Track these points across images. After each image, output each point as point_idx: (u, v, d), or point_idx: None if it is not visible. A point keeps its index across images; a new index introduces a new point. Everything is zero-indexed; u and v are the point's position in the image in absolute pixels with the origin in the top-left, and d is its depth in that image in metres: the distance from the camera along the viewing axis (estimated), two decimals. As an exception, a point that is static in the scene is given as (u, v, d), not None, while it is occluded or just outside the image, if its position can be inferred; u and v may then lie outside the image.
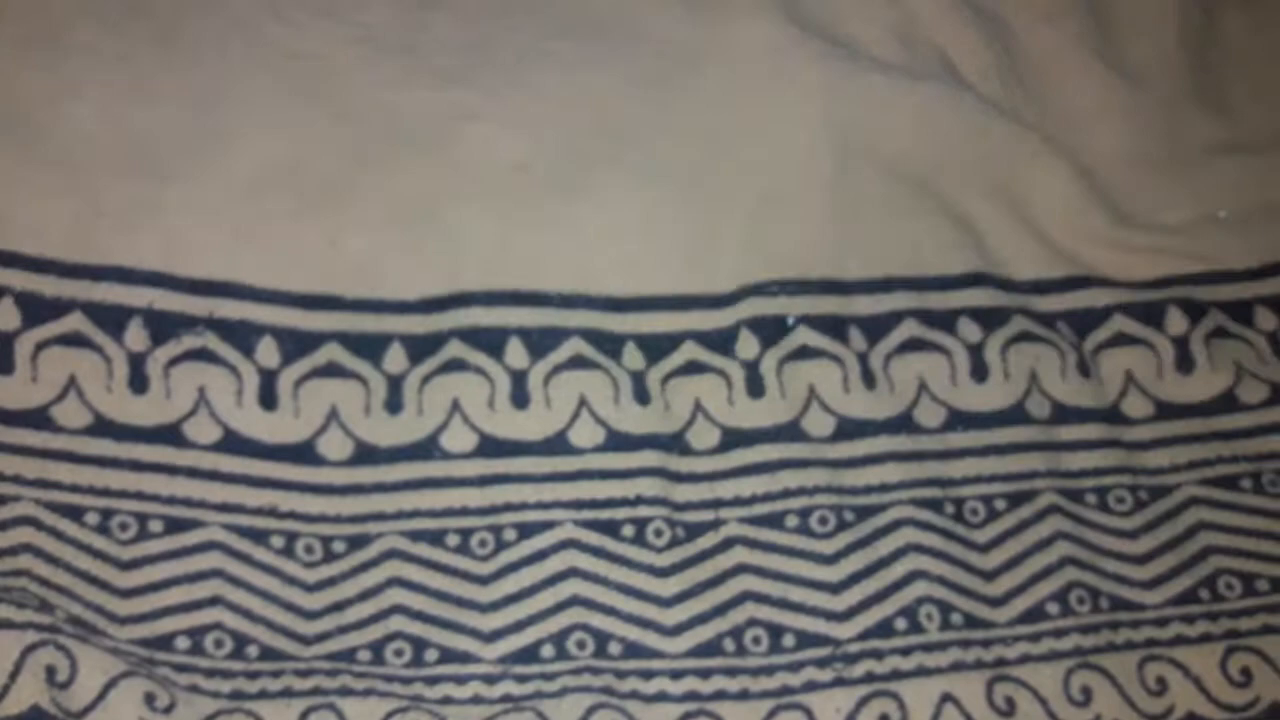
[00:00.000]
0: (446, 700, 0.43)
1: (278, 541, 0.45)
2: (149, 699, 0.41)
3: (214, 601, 0.44)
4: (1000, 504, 0.49)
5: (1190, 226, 0.56)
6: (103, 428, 0.46)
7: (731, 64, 0.55)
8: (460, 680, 0.44)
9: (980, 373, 0.51)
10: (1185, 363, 0.53)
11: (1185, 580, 0.48)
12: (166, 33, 0.52)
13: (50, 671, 0.40)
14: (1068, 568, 0.48)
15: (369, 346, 0.48)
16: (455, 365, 0.48)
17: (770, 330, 0.50)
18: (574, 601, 0.45)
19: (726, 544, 0.47)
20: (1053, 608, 0.47)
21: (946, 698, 0.45)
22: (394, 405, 0.48)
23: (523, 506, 0.47)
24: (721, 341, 0.50)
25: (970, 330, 0.52)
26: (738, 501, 0.48)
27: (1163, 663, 0.46)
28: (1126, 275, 0.54)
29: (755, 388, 0.50)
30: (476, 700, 0.44)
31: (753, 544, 0.47)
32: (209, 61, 0.52)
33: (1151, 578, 0.48)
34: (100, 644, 0.42)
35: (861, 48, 0.57)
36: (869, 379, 0.50)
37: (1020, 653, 0.46)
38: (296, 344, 0.48)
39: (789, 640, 0.46)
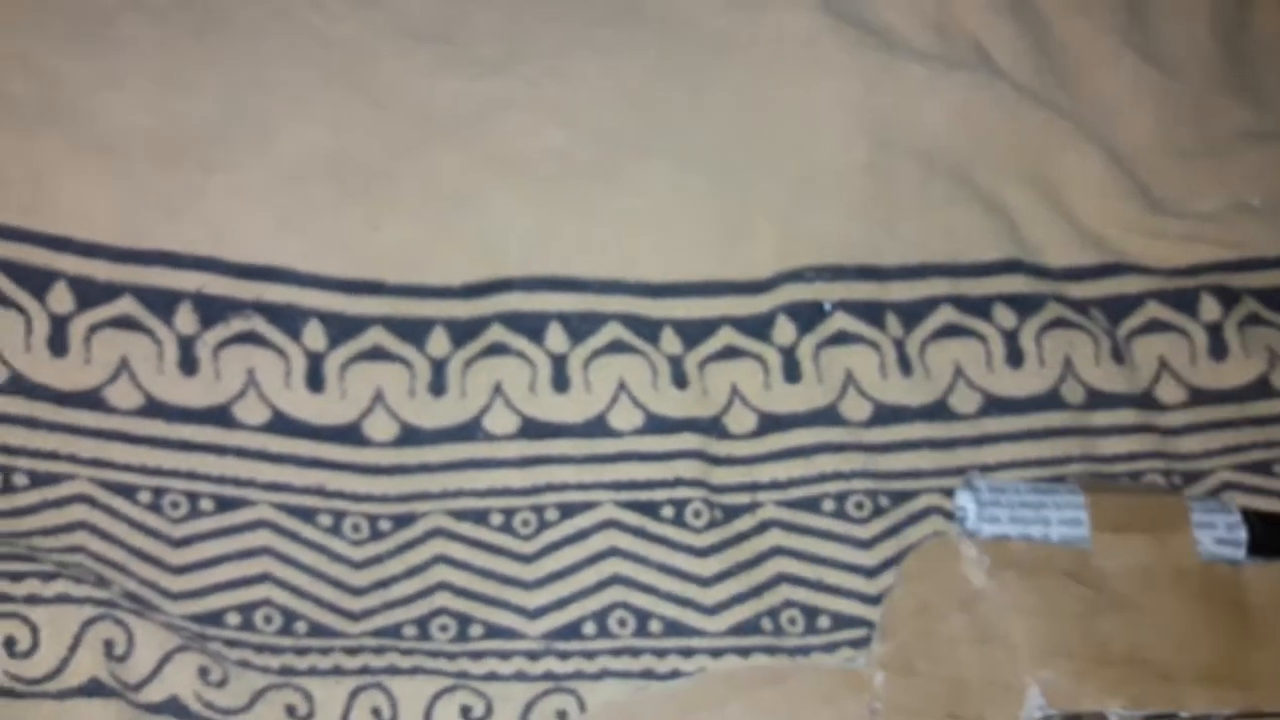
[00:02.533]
0: (491, 676, 0.44)
1: (325, 520, 0.46)
2: (203, 672, 0.42)
3: (263, 578, 0.45)
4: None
5: (1223, 214, 0.56)
6: (154, 409, 0.47)
7: (768, 52, 0.56)
8: (505, 656, 0.45)
9: (1015, 358, 0.52)
10: (1218, 349, 0.53)
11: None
12: (207, 23, 0.53)
13: (108, 645, 0.41)
14: None
15: (413, 330, 0.49)
16: (497, 349, 0.49)
17: (807, 316, 0.51)
18: (615, 580, 0.46)
19: (763, 526, 0.48)
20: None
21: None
22: (438, 388, 0.48)
23: (564, 487, 0.47)
24: (758, 327, 0.51)
25: (1005, 316, 0.52)
26: (774, 485, 0.49)
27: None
28: (1160, 262, 0.54)
29: (792, 373, 0.50)
30: (520, 676, 0.45)
31: (789, 527, 0.48)
32: (249, 51, 0.53)
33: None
34: (155, 619, 0.43)
35: (897, 36, 0.57)
36: (905, 364, 0.51)
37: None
38: (342, 328, 0.48)
39: (824, 622, 0.47)
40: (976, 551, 0.46)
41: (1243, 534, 0.47)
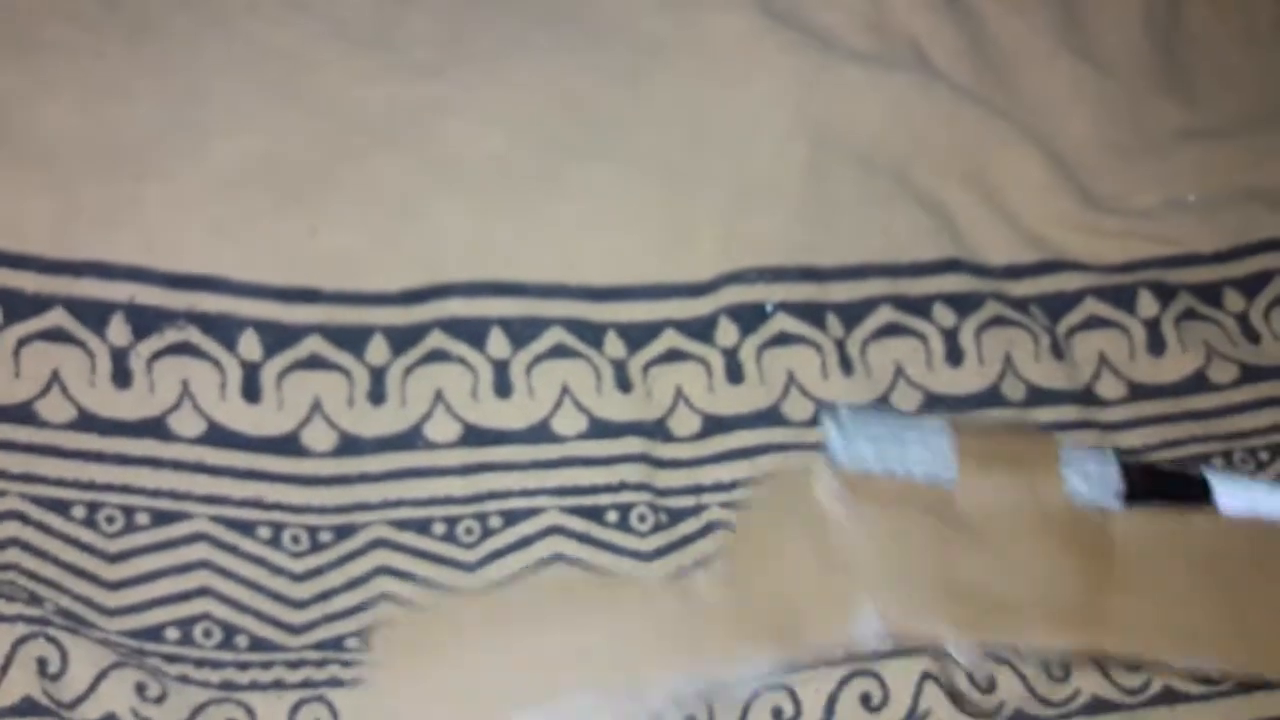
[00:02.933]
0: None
1: (264, 532, 0.45)
2: (140, 689, 0.41)
3: (202, 592, 0.44)
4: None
5: (1159, 211, 0.57)
6: (87, 422, 0.46)
7: (706, 55, 0.56)
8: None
9: (955, 357, 0.52)
10: (1156, 344, 0.53)
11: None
12: (140, 29, 0.52)
13: (41, 663, 0.41)
14: None
15: (351, 338, 0.48)
16: (438, 356, 0.49)
17: (749, 317, 0.51)
18: (559, 586, 0.46)
19: (708, 528, 0.48)
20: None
21: (926, 676, 0.46)
22: (377, 396, 0.48)
23: (507, 494, 0.47)
24: (701, 329, 0.51)
25: (945, 315, 0.52)
26: (719, 487, 0.49)
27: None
28: (1097, 259, 0.55)
29: (735, 374, 0.50)
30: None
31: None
32: (184, 57, 0.52)
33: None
34: (90, 635, 0.42)
35: (834, 38, 0.58)
36: (846, 364, 0.51)
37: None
38: (278, 337, 0.48)
39: (772, 622, 0.47)
40: (835, 481, 0.45)
41: (1115, 479, 0.46)
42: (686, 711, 0.44)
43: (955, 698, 0.45)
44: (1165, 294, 0.54)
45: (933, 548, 0.45)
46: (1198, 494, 0.47)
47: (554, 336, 0.50)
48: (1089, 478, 0.46)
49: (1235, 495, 0.47)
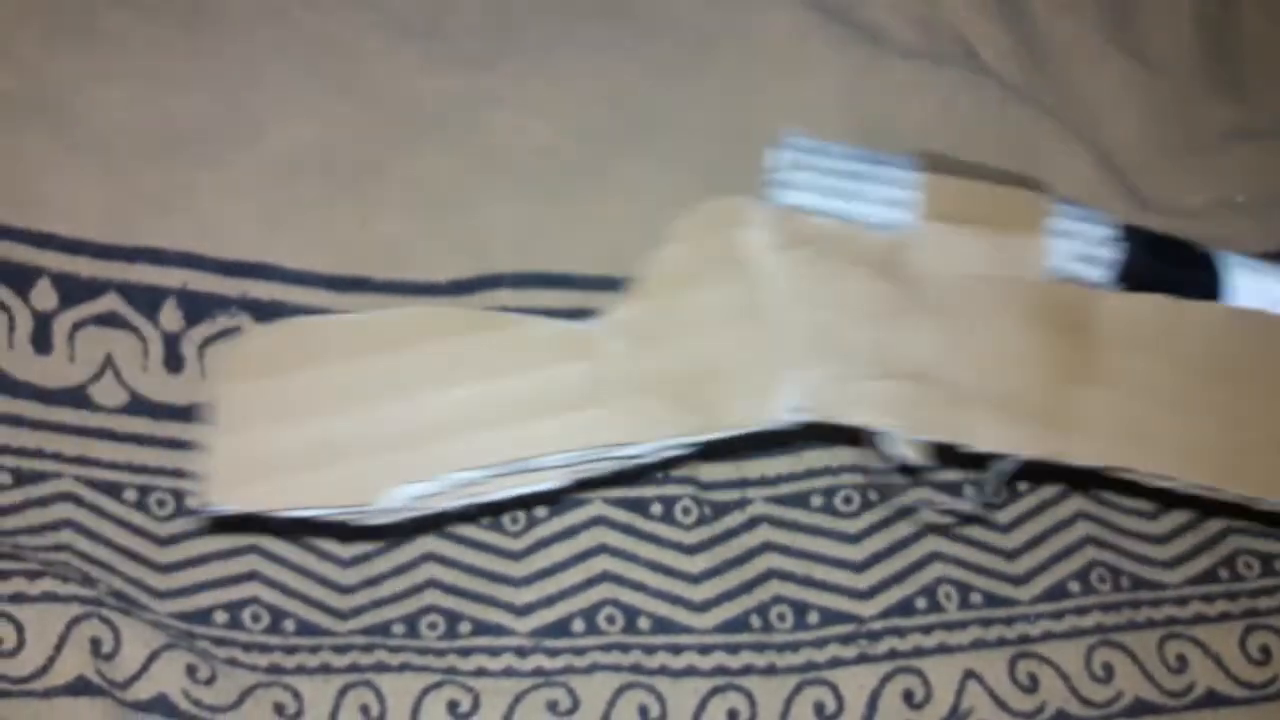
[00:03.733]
0: (480, 672, 0.44)
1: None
2: (190, 671, 0.42)
3: (251, 576, 0.45)
4: (1022, 485, 0.49)
5: (1208, 210, 0.56)
6: (139, 406, 0.47)
7: (754, 49, 0.56)
8: (493, 652, 0.45)
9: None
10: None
11: (1204, 560, 0.49)
12: (195, 19, 0.53)
13: (95, 643, 0.41)
14: (1088, 547, 0.49)
15: (400, 327, 0.49)
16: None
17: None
18: (604, 577, 0.46)
19: (752, 522, 0.48)
20: (1074, 586, 0.48)
21: (969, 674, 0.46)
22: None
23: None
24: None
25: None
26: (763, 481, 0.49)
27: (1183, 640, 0.47)
28: (1147, 259, 0.55)
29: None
30: (509, 673, 0.45)
31: (778, 522, 0.48)
32: (237, 47, 0.52)
33: (1172, 557, 0.49)
34: (142, 617, 0.43)
35: (883, 33, 0.57)
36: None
37: (1043, 630, 0.47)
38: (329, 325, 0.48)
39: (814, 617, 0.47)
40: (769, 221, 0.38)
41: (1110, 253, 0.38)
42: (580, 479, 0.38)
43: (882, 491, 0.40)
44: (1215, 295, 0.54)
45: (876, 313, 0.37)
46: (1209, 281, 0.40)
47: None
48: (1079, 246, 0.38)
49: (1252, 285, 0.40)
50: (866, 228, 0.38)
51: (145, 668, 0.42)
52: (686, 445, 0.39)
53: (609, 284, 0.50)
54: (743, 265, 0.38)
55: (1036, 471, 0.39)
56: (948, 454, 0.39)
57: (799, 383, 0.37)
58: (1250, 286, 0.39)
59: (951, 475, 0.46)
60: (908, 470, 0.39)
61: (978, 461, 0.39)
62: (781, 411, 0.37)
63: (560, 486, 0.38)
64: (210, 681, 0.42)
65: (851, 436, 0.39)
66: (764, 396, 0.37)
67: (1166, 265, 0.39)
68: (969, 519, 0.40)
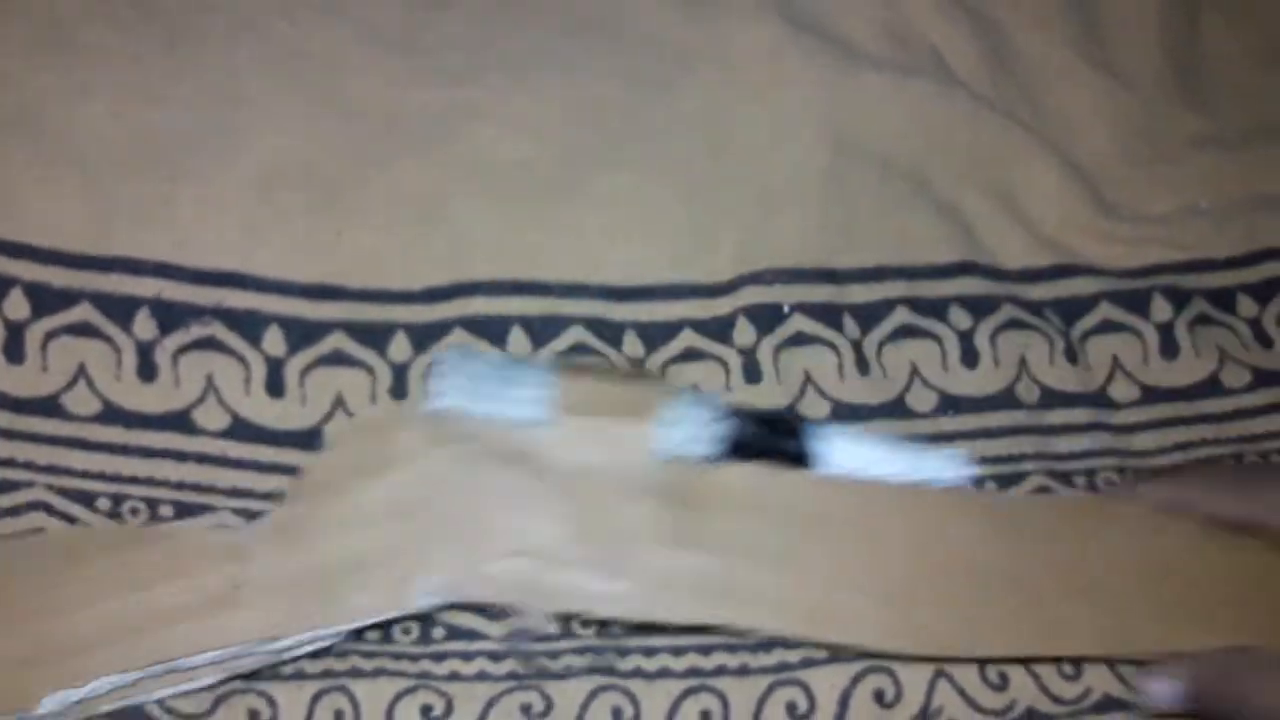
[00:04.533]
0: (453, 676, 0.44)
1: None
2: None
3: (224, 583, 0.45)
4: (990, 486, 0.50)
5: (1174, 217, 0.57)
6: (112, 415, 0.47)
7: (728, 63, 0.56)
8: (467, 657, 0.45)
9: (971, 359, 0.52)
10: (1170, 348, 0.54)
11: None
12: (176, 33, 0.53)
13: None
14: None
15: (374, 335, 0.49)
16: (459, 354, 0.49)
17: (766, 318, 0.51)
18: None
19: (725, 526, 0.48)
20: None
21: (940, 674, 0.46)
22: (399, 392, 0.48)
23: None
24: (719, 329, 0.51)
25: (961, 318, 0.53)
26: (735, 485, 0.49)
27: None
28: (1113, 264, 0.55)
29: (752, 374, 0.51)
30: (482, 677, 0.45)
31: (750, 527, 0.48)
32: (218, 61, 0.53)
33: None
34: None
35: (856, 46, 0.58)
36: (863, 365, 0.51)
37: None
38: (302, 333, 0.49)
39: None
40: (423, 423, 0.42)
41: (712, 430, 0.43)
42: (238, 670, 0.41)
43: (529, 662, 0.44)
44: (1179, 299, 0.55)
45: (508, 501, 0.42)
46: (806, 449, 0.44)
47: (573, 335, 0.50)
48: (689, 428, 0.43)
49: (845, 450, 0.45)
50: (508, 425, 0.42)
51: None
52: (332, 636, 0.42)
53: (583, 291, 0.51)
54: (394, 465, 0.42)
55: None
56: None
57: (437, 569, 0.41)
58: (843, 451, 0.45)
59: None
60: (545, 638, 0.44)
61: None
62: (415, 599, 0.41)
63: (216, 680, 0.42)
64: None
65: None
66: (401, 586, 0.41)
67: (771, 437, 0.45)
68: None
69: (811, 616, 0.43)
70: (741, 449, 0.44)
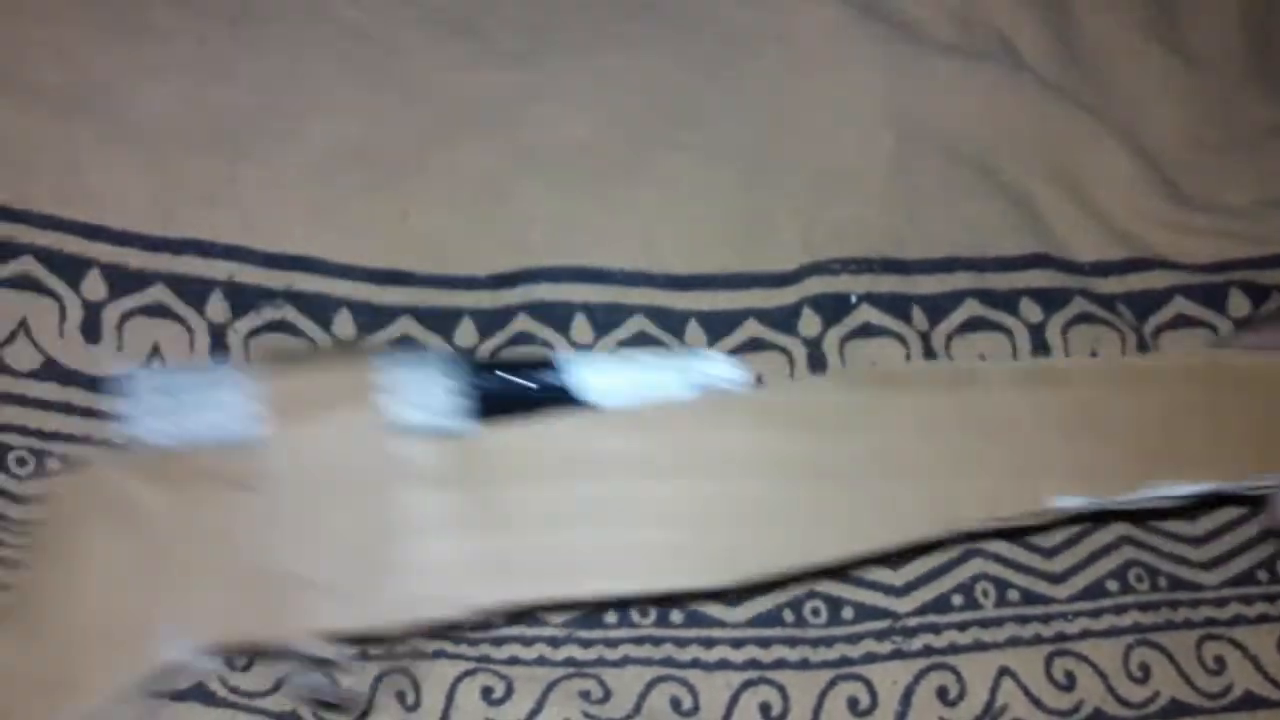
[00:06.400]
0: (513, 661, 0.45)
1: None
2: (227, 658, 0.43)
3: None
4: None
5: (1252, 209, 0.56)
6: (183, 395, 0.47)
7: (792, 46, 0.56)
8: (526, 642, 0.45)
9: (1041, 352, 0.51)
10: (1247, 345, 0.53)
11: (1243, 562, 0.49)
12: (239, 15, 0.53)
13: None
14: (1125, 546, 0.48)
15: (441, 321, 0.49)
16: (523, 339, 0.49)
17: (833, 308, 0.51)
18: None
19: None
20: (1112, 584, 0.48)
21: (1004, 671, 0.46)
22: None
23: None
24: (783, 319, 0.51)
25: (1032, 310, 0.52)
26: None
27: (1221, 642, 0.47)
28: (1187, 258, 0.54)
29: (818, 364, 0.50)
30: (541, 662, 0.45)
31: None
32: (281, 43, 0.53)
33: (1210, 558, 0.49)
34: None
35: (922, 30, 0.57)
36: (931, 357, 0.51)
37: (1080, 628, 0.47)
38: (372, 318, 0.49)
39: (848, 613, 0.47)
40: (132, 472, 0.37)
41: (448, 393, 0.37)
42: None
43: (329, 704, 0.40)
44: (1257, 295, 0.53)
45: (239, 528, 0.36)
46: (560, 382, 0.39)
47: (636, 324, 0.50)
48: (416, 395, 0.37)
49: (610, 378, 0.39)
50: (222, 445, 0.37)
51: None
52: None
53: (644, 279, 0.51)
54: (122, 516, 0.37)
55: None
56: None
57: (180, 620, 0.36)
58: (605, 377, 0.39)
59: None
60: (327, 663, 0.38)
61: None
62: (162, 655, 0.36)
63: None
64: (247, 668, 0.43)
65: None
66: (148, 646, 0.36)
67: (522, 382, 0.39)
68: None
69: (623, 570, 0.38)
70: (494, 403, 0.38)
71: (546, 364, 0.39)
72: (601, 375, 0.39)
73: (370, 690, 0.44)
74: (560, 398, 0.39)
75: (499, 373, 0.39)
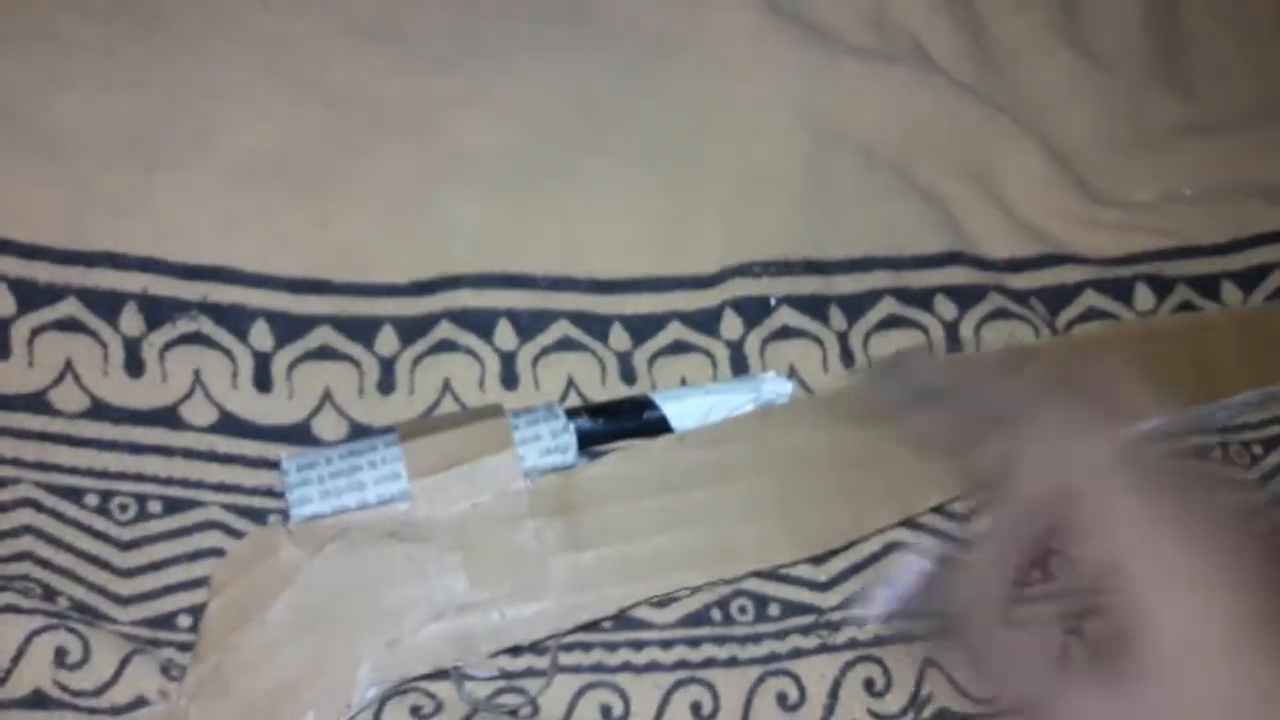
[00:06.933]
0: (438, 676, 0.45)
1: (276, 520, 0.46)
2: (165, 670, 0.42)
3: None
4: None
5: (1157, 204, 0.57)
6: (100, 411, 0.46)
7: (711, 50, 0.56)
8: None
9: (956, 348, 0.52)
10: (1154, 337, 0.54)
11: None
12: (151, 23, 0.52)
13: (60, 653, 0.41)
14: None
15: (361, 329, 0.49)
16: (446, 346, 0.49)
17: (754, 310, 0.51)
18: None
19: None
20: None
21: (929, 662, 0.47)
22: (386, 386, 0.48)
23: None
24: (706, 321, 0.51)
25: (946, 307, 0.53)
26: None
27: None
28: (1097, 252, 0.56)
29: (739, 366, 0.51)
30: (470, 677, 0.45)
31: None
32: (195, 50, 0.52)
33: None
34: (106, 628, 0.43)
35: (836, 33, 0.58)
36: (848, 356, 0.51)
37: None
38: (289, 327, 0.48)
39: (774, 610, 0.47)
40: (296, 536, 0.43)
41: (569, 438, 0.45)
42: None
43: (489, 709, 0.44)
44: (1163, 287, 0.55)
45: (405, 575, 0.43)
46: (655, 416, 0.47)
47: (560, 329, 0.50)
48: (542, 444, 0.45)
49: (687, 410, 0.47)
50: (374, 508, 0.44)
51: (119, 673, 0.42)
52: None
53: (569, 284, 0.51)
54: (286, 585, 0.42)
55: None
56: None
57: (366, 662, 0.42)
58: (687, 405, 0.47)
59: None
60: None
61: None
62: (358, 698, 0.42)
63: None
64: (184, 676, 0.42)
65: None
66: (343, 691, 0.41)
67: (616, 422, 0.47)
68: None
69: (724, 558, 0.45)
70: (595, 441, 0.46)
71: (636, 403, 0.48)
72: (675, 404, 0.47)
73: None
74: (644, 428, 0.47)
75: (597, 415, 0.47)
